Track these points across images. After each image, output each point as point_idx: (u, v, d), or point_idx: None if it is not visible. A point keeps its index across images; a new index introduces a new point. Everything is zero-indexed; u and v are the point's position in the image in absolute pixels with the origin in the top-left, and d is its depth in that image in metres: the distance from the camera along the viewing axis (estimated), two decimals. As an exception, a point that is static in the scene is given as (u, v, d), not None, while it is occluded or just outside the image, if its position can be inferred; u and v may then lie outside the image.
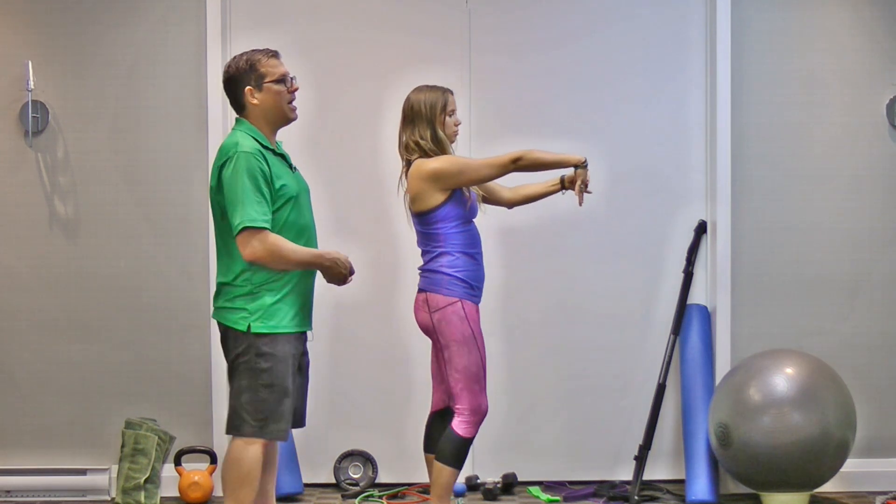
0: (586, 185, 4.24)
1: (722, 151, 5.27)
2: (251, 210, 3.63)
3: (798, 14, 5.32)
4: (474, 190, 4.29)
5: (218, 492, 5.00)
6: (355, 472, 5.33)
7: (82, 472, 5.23)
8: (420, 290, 4.22)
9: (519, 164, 4.13)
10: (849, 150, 5.33)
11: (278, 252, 3.67)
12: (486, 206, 4.49)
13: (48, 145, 5.29)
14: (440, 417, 4.35)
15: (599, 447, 5.42)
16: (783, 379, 4.76)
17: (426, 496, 5.13)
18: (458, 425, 4.15)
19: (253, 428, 3.70)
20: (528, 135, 5.14)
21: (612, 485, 5.24)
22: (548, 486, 5.36)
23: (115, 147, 5.29)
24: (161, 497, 5.17)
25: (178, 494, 5.18)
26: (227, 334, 3.77)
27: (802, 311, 5.33)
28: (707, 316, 5.37)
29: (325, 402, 5.37)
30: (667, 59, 5.40)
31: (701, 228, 5.37)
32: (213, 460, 5.18)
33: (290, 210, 3.77)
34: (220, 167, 3.71)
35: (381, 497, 5.19)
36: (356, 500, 5.16)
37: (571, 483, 5.37)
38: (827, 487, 5.11)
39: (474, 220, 4.26)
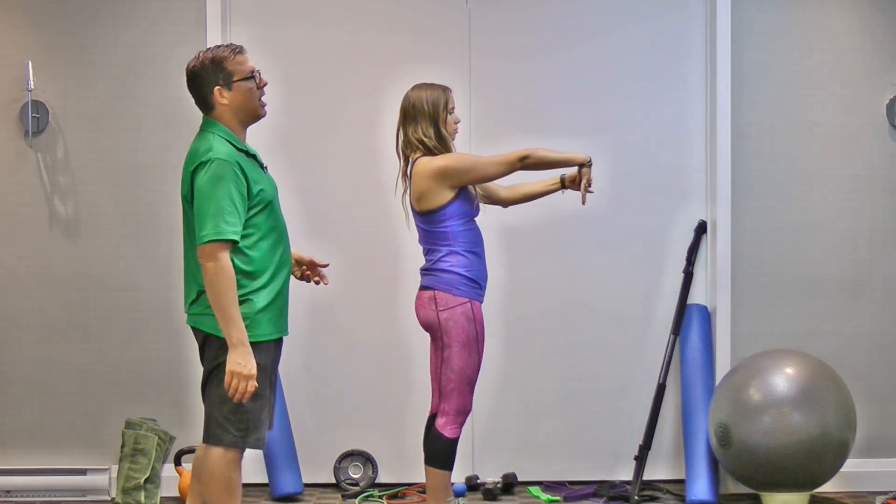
0: (590, 184, 4.22)
1: (722, 151, 5.27)
2: (222, 222, 3.44)
3: (798, 14, 5.32)
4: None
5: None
6: (355, 472, 5.33)
7: (82, 472, 5.23)
8: (425, 288, 4.17)
9: (526, 163, 4.11)
10: (849, 150, 5.33)
11: (225, 285, 3.43)
12: (484, 205, 4.47)
13: (48, 145, 5.29)
14: (440, 419, 4.35)
15: (599, 447, 5.42)
16: (783, 379, 4.76)
17: (426, 496, 5.12)
18: (444, 427, 4.15)
19: (235, 438, 3.58)
20: (528, 135, 5.12)
21: (612, 485, 5.24)
22: (548, 485, 5.36)
23: (115, 147, 5.29)
24: (161, 497, 5.17)
25: (178, 494, 5.18)
26: (208, 342, 3.59)
27: (802, 311, 5.32)
28: (707, 316, 5.37)
29: (325, 403, 5.37)
30: (667, 59, 5.39)
31: (701, 228, 5.36)
32: (213, 460, 5.17)
33: (266, 214, 3.62)
34: (191, 172, 3.52)
35: (381, 497, 5.19)
36: (356, 500, 5.15)
37: (571, 483, 5.37)
38: (827, 487, 5.11)
39: (476, 218, 4.25)
